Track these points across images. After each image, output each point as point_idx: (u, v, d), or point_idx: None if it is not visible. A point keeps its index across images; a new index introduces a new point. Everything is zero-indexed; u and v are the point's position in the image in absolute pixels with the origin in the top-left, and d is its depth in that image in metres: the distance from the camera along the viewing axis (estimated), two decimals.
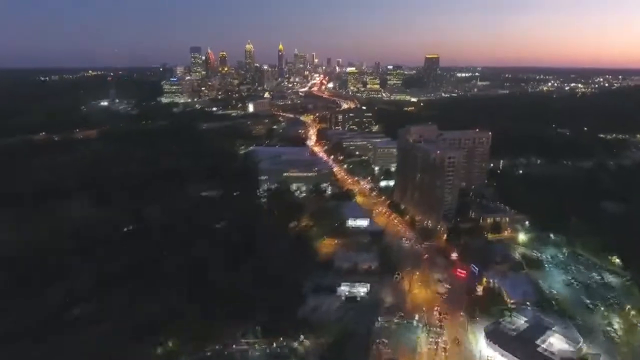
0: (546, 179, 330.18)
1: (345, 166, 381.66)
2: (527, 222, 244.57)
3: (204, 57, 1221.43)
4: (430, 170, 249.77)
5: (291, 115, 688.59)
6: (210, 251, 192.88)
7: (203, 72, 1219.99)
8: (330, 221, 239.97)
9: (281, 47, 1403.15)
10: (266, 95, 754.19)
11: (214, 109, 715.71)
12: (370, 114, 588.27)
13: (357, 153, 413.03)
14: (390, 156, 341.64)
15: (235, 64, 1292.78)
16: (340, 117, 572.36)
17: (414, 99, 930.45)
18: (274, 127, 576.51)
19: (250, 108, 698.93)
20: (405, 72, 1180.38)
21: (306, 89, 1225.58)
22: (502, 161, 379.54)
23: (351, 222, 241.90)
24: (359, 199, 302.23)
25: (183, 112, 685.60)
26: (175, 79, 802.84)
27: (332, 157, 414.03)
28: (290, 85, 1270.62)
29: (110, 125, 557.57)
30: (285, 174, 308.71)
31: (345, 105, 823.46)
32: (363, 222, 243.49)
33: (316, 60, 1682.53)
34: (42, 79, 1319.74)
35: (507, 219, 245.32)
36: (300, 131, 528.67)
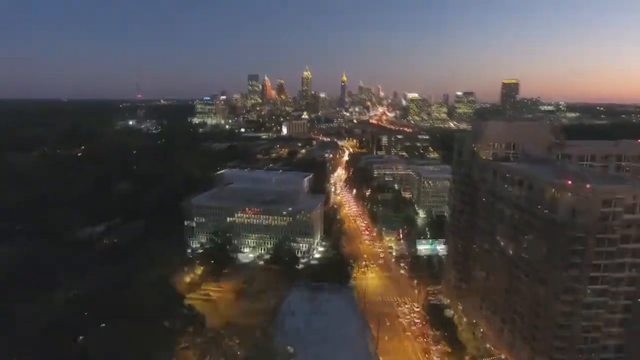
0: None
1: (369, 206, 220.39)
2: None
3: (261, 85, 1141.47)
4: (545, 229, 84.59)
5: (328, 139, 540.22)
6: None
7: (259, 100, 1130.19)
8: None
9: (344, 78, 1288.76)
10: (304, 116, 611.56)
11: (242, 130, 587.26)
12: (427, 137, 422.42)
13: (395, 187, 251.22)
14: (445, 192, 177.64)
15: (297, 93, 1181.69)
16: (385, 139, 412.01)
17: None
18: (302, 150, 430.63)
19: (284, 130, 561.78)
20: (477, 105, 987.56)
21: (364, 117, 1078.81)
22: None
23: None
24: (368, 278, 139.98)
25: (208, 132, 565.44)
26: (208, 98, 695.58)
27: (354, 191, 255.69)
28: (347, 114, 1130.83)
29: (116, 143, 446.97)
30: (230, 219, 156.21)
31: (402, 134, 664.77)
32: None
33: (382, 94, 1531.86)
34: (121, 105, 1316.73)
35: None
36: (327, 155, 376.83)
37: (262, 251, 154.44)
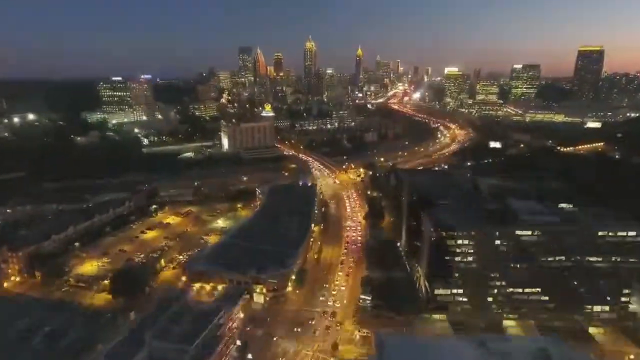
0: None
1: None
2: None
3: (253, 60, 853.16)
4: None
5: (310, 159, 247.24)
6: None
7: (251, 78, 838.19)
8: None
9: (360, 52, 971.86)
10: (265, 113, 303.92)
11: (151, 140, 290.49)
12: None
13: None
14: None
15: (302, 71, 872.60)
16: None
17: (576, 119, 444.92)
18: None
19: (225, 143, 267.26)
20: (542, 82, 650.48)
21: (381, 100, 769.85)
22: None
23: None
24: None
25: (84, 142, 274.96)
26: (119, 79, 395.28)
27: None
28: (360, 95, 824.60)
29: None
30: None
31: (447, 137, 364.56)
32: None
33: (401, 69, 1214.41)
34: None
35: None
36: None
37: None
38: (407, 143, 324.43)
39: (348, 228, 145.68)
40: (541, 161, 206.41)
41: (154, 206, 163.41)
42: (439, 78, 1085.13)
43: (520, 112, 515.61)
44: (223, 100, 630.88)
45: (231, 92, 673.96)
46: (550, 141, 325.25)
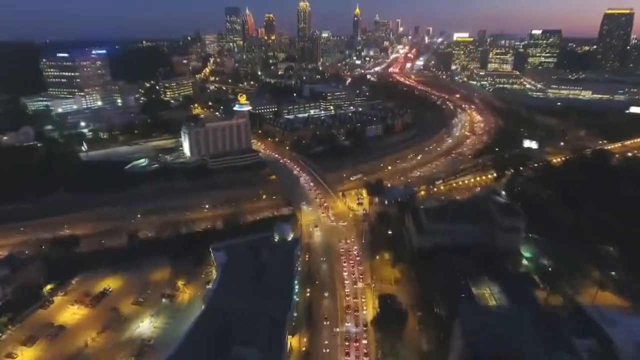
0: None
1: None
2: None
3: (242, 22, 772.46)
4: None
5: (297, 167, 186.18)
6: None
7: (240, 42, 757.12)
8: None
9: (357, 11, 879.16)
10: (239, 107, 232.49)
11: (111, 135, 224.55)
12: None
13: None
14: None
15: (295, 33, 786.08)
16: None
17: (604, 95, 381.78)
18: None
19: (186, 149, 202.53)
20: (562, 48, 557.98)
21: (381, 68, 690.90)
22: None
23: None
24: None
25: (17, 143, 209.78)
26: (65, 56, 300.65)
27: None
28: (359, 62, 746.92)
29: None
30: None
31: (462, 123, 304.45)
32: None
33: (401, 29, 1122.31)
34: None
35: None
36: None
37: None
38: (416, 136, 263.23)
39: (347, 342, 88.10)
40: (612, 182, 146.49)
41: (48, 286, 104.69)
42: (440, 39, 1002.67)
43: (540, 86, 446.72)
44: (206, 71, 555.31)
45: (216, 60, 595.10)
46: (584, 131, 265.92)
